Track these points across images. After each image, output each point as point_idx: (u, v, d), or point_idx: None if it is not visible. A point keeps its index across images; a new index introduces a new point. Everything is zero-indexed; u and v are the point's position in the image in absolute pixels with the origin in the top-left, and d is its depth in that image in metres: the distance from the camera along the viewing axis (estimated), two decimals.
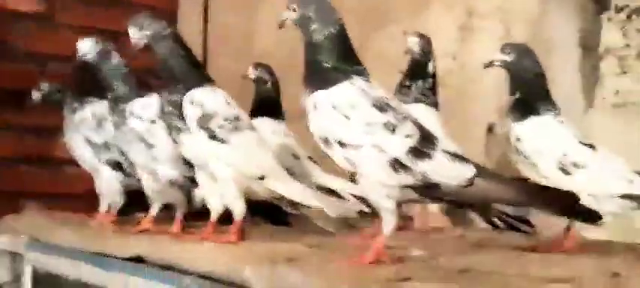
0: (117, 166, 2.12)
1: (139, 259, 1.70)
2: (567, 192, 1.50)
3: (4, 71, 3.12)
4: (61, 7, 3.44)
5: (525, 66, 1.78)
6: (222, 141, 1.67)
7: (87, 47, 1.99)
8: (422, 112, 1.95)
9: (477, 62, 2.58)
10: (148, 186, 1.98)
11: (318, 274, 1.32)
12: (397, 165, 1.40)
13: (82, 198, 3.27)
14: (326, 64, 1.46)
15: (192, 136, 1.66)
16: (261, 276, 1.37)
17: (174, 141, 1.71)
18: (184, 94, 1.67)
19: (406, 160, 1.40)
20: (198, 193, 1.85)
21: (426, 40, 2.26)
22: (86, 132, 2.11)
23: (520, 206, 1.96)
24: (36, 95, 2.27)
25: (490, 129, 2.64)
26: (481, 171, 1.44)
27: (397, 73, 2.32)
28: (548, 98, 1.78)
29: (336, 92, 1.41)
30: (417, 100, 2.19)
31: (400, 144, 1.40)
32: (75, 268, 1.89)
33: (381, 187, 1.42)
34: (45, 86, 2.27)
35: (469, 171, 1.42)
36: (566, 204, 1.47)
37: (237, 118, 1.70)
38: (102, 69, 1.98)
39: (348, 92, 1.42)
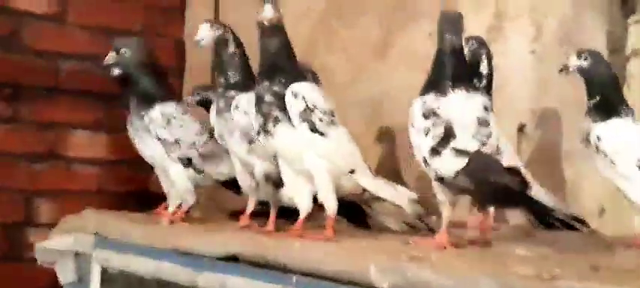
0: (188, 162, 2.13)
1: (233, 258, 1.72)
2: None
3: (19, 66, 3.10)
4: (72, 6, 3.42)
5: (601, 71, 1.86)
6: (322, 134, 1.72)
7: (204, 32, 2.00)
8: None
9: (508, 63, 2.68)
10: (244, 180, 2.03)
11: (447, 271, 1.36)
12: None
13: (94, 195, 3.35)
14: None
15: (291, 128, 1.71)
16: (388, 273, 1.40)
17: (266, 132, 1.73)
18: (287, 87, 1.70)
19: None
20: (285, 193, 1.87)
21: (477, 41, 2.31)
22: (157, 130, 2.13)
23: None
24: (190, 99, 2.36)
25: (521, 129, 2.71)
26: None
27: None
28: (624, 101, 1.87)
29: None
30: None
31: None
32: (156, 267, 1.90)
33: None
34: (198, 89, 2.38)
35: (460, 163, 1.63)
36: None
37: (332, 113, 1.75)
38: (220, 55, 2.00)
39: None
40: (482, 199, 1.72)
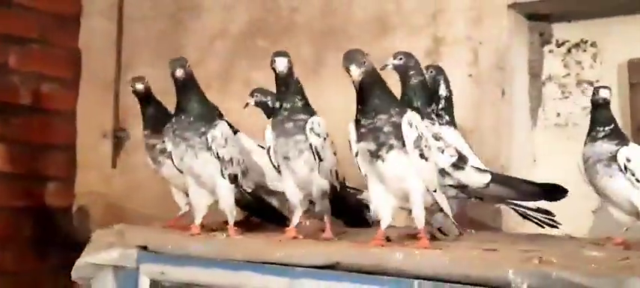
0: (234, 179, 2.23)
1: (330, 267, 1.86)
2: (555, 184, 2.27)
3: None
4: None
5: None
6: (427, 159, 1.92)
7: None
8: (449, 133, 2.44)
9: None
10: (295, 195, 2.17)
11: (580, 270, 1.62)
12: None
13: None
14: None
15: (402, 155, 1.90)
16: (527, 275, 1.60)
17: (377, 157, 1.91)
18: (401, 117, 1.89)
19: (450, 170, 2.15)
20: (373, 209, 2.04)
21: (435, 69, 2.63)
22: (218, 148, 2.20)
23: (523, 200, 2.41)
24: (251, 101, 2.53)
25: None
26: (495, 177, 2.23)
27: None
28: None
29: None
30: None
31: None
32: (231, 278, 1.98)
33: None
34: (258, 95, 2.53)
35: (486, 178, 2.18)
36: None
37: (427, 139, 1.95)
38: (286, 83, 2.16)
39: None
40: None
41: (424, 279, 1.73)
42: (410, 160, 1.91)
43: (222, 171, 2.21)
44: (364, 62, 1.92)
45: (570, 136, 3.01)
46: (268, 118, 2.58)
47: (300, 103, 2.14)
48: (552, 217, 2.48)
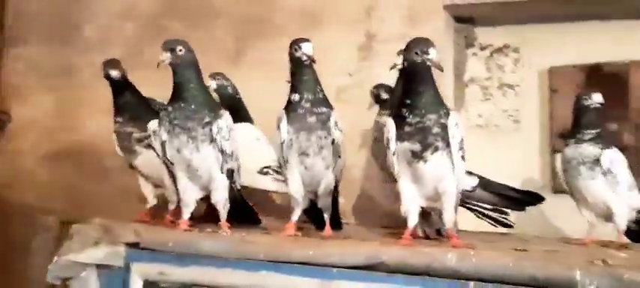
0: (230, 174, 2.07)
1: (369, 267, 1.76)
2: (533, 193, 2.28)
3: None
4: None
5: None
6: (464, 160, 1.86)
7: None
8: None
9: (376, 80, 2.98)
10: (298, 190, 2.04)
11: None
12: None
13: None
14: None
15: (444, 156, 1.83)
16: (596, 277, 1.59)
17: (420, 158, 1.83)
18: (447, 118, 1.81)
19: None
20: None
21: None
22: (222, 141, 2.02)
23: (504, 206, 2.45)
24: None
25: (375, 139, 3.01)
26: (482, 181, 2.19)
27: (284, 81, 2.49)
28: None
29: None
30: None
31: None
32: (259, 279, 1.82)
33: None
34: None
35: (474, 181, 2.14)
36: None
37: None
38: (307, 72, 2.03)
39: None
40: None
41: (480, 280, 1.67)
42: (451, 161, 1.84)
43: (222, 165, 2.03)
44: (418, 53, 1.81)
45: (491, 138, 3.08)
46: (225, 106, 2.43)
47: (321, 95, 2.00)
48: (507, 217, 2.52)
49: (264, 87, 2.89)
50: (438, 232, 2.06)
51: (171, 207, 2.23)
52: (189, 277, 1.88)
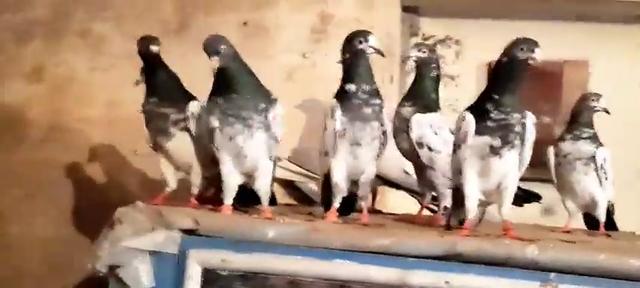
0: (275, 161, 2.03)
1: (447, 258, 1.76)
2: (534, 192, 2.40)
3: None
4: None
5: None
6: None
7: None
8: None
9: (329, 63, 3.02)
10: (343, 178, 2.03)
11: None
12: None
13: None
14: None
15: (514, 153, 1.86)
16: None
17: (496, 154, 1.85)
18: (526, 117, 1.86)
19: None
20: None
21: None
22: (276, 128, 1.98)
23: None
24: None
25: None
26: None
27: None
28: None
29: None
30: None
31: None
32: (333, 267, 1.78)
33: None
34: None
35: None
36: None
37: None
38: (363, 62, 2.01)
39: None
40: None
41: (560, 271, 1.74)
42: (518, 159, 1.88)
43: (271, 152, 1.97)
44: (523, 49, 1.84)
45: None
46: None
47: (375, 86, 1.99)
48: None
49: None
50: (461, 223, 2.09)
51: (195, 191, 2.11)
52: (253, 264, 1.77)
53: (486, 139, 1.84)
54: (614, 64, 3.18)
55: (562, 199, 2.47)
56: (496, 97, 1.84)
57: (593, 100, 2.39)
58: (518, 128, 1.85)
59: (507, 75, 1.85)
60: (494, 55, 3.17)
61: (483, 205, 1.99)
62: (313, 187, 2.59)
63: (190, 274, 1.78)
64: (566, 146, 2.38)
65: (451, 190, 2.04)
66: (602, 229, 2.42)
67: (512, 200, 1.93)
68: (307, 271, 1.78)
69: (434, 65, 2.30)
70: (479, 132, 1.84)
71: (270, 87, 2.06)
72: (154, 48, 2.08)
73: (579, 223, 2.52)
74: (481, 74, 3.24)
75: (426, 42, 3.26)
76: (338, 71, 2.56)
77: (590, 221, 2.51)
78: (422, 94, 2.28)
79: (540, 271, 1.73)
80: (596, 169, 2.36)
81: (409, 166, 2.43)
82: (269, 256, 1.79)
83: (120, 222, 1.78)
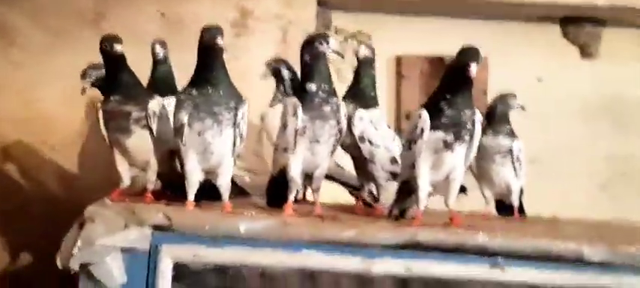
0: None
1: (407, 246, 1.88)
2: None
3: None
4: None
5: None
6: None
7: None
8: None
9: (251, 58, 3.11)
10: (299, 173, 2.10)
11: None
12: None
13: None
14: None
15: (463, 147, 2.02)
16: (600, 251, 1.87)
17: (447, 149, 1.99)
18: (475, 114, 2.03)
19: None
20: None
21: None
22: (243, 125, 2.06)
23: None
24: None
25: (262, 118, 3.10)
26: None
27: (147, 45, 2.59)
28: None
29: None
30: None
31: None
32: (302, 258, 1.86)
33: None
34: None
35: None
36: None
37: None
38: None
39: None
40: None
41: (507, 255, 1.89)
42: (466, 152, 2.03)
43: (235, 149, 2.02)
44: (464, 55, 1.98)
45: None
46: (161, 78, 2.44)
47: (333, 86, 2.08)
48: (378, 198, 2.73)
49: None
50: (402, 213, 2.22)
51: (150, 187, 2.13)
52: (225, 258, 1.83)
53: (440, 135, 1.98)
54: (512, 60, 3.40)
55: (480, 188, 2.66)
56: (449, 96, 1.98)
57: (510, 99, 2.59)
58: (469, 125, 1.99)
59: (456, 77, 1.99)
60: (403, 49, 3.41)
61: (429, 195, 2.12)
62: (246, 179, 2.64)
63: (162, 269, 1.81)
64: (487, 141, 2.57)
65: (401, 183, 2.14)
66: (516, 213, 2.63)
67: (457, 190, 2.07)
68: (278, 262, 1.85)
69: (374, 64, 2.41)
70: (433, 127, 1.97)
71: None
72: (118, 47, 2.08)
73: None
74: (391, 68, 3.39)
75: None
76: (259, 65, 2.65)
77: (502, 207, 2.70)
78: (363, 91, 2.40)
79: (489, 255, 1.89)
80: (512, 161, 2.56)
81: (341, 160, 2.53)
82: (240, 249, 1.84)
83: (92, 220, 1.78)
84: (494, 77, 3.38)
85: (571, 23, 3.46)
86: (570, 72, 3.48)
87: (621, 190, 3.51)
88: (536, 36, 3.45)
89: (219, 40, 2.00)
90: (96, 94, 2.35)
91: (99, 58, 2.39)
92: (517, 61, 3.38)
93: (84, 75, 2.30)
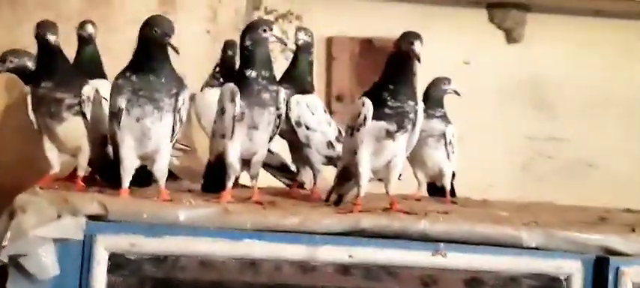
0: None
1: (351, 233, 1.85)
2: None
3: None
4: None
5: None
6: None
7: None
8: None
9: (179, 37, 3.03)
10: (237, 159, 2.06)
11: None
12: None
13: None
14: None
15: (405, 136, 2.02)
16: (536, 235, 1.90)
17: (389, 138, 1.98)
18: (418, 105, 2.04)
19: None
20: None
21: None
22: (183, 111, 2.00)
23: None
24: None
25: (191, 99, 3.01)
26: None
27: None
28: None
29: None
30: None
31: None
32: (243, 247, 1.81)
33: None
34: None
35: None
36: None
37: None
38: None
39: None
40: None
41: (449, 241, 1.89)
42: (407, 141, 2.02)
43: (173, 136, 1.96)
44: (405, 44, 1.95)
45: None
46: (87, 59, 2.37)
47: (273, 73, 2.03)
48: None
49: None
50: (340, 198, 2.19)
51: (81, 173, 2.06)
52: (163, 247, 1.76)
53: (383, 124, 1.96)
54: (440, 43, 3.39)
55: (413, 171, 2.65)
56: (391, 86, 1.95)
57: (444, 83, 2.59)
58: (412, 115, 1.97)
59: (398, 66, 1.96)
60: (333, 31, 3.36)
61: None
62: (175, 162, 2.56)
63: (98, 260, 1.73)
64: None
65: (341, 168, 2.11)
66: (448, 196, 2.63)
67: (397, 177, 2.05)
68: (220, 252, 1.79)
69: (312, 50, 2.37)
70: (376, 117, 1.94)
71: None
72: (51, 38, 2.01)
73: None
74: (321, 49, 3.34)
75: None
76: (187, 44, 2.57)
77: (434, 189, 2.70)
78: (300, 76, 2.36)
79: (431, 241, 1.88)
80: (445, 145, 2.55)
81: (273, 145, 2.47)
82: (179, 238, 1.78)
83: (23, 210, 1.68)
84: (423, 60, 3.35)
85: (497, 8, 3.48)
86: (496, 55, 3.50)
87: (541, 170, 3.55)
88: (463, 20, 3.46)
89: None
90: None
91: (17, 37, 2.29)
92: (445, 45, 3.36)
93: (3, 60, 2.17)
